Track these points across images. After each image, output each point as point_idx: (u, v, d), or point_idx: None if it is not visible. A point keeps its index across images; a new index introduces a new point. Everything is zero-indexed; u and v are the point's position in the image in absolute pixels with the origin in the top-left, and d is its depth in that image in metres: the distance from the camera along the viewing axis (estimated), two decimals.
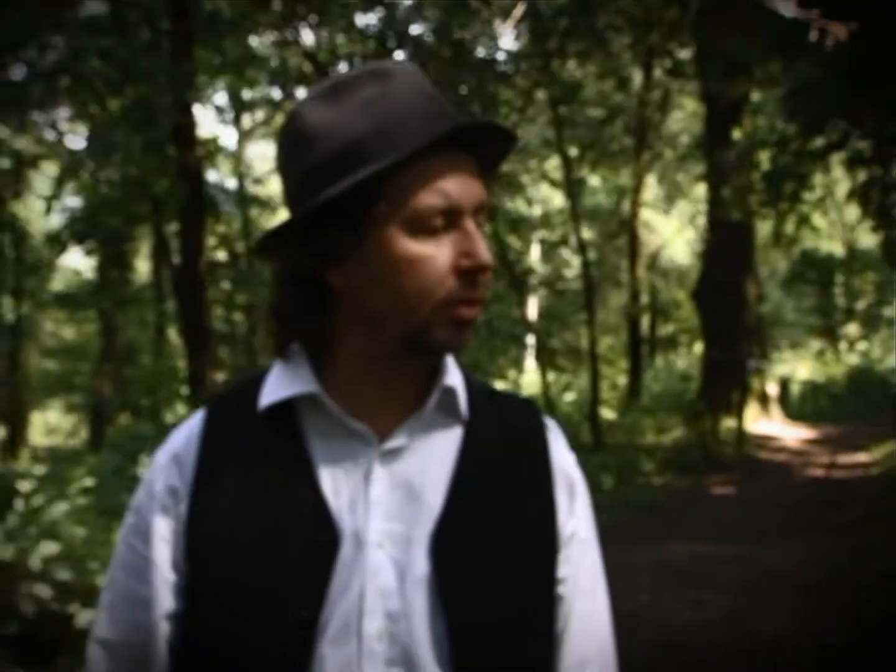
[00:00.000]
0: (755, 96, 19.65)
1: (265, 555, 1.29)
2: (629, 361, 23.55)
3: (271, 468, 1.33)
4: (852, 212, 28.87)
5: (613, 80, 18.57)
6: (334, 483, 1.32)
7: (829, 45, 3.78)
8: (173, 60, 8.25)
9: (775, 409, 21.53)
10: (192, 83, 8.80)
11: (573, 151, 20.52)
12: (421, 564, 1.29)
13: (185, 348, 8.33)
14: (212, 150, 15.13)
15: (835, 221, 33.33)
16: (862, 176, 15.00)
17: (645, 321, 28.57)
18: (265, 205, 24.44)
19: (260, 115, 22.26)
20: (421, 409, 1.35)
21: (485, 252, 1.29)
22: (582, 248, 19.33)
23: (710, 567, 8.88)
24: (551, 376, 20.84)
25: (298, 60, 14.18)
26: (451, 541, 1.31)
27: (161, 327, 24.09)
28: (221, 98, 22.71)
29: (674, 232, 33.46)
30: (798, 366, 32.46)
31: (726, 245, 19.45)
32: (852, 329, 32.82)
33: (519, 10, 4.50)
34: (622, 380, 24.09)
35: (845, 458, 16.18)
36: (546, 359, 22.24)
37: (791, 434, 19.56)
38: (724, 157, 17.90)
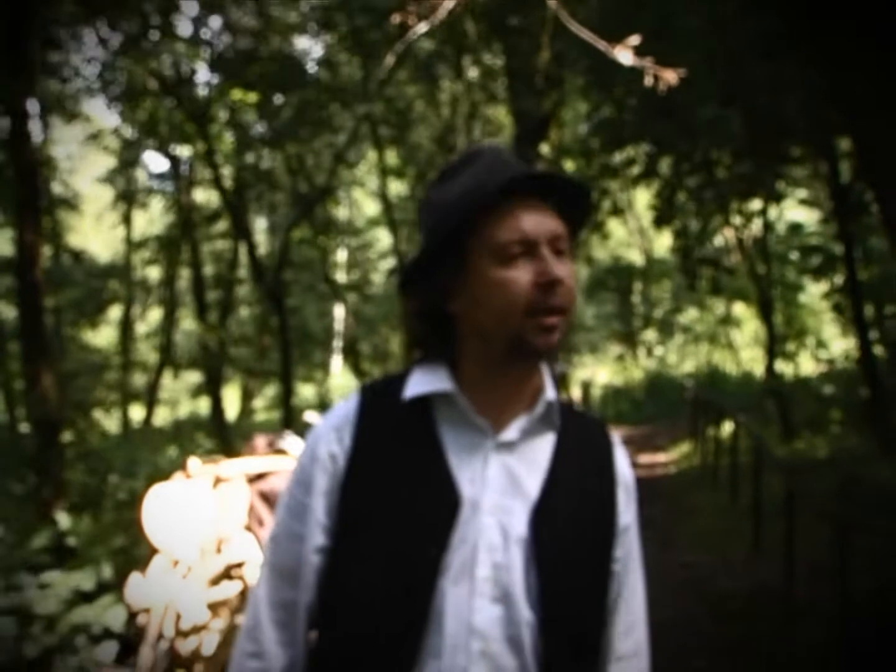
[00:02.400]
0: (563, 112, 20.38)
1: (404, 510, 1.70)
2: None
3: (411, 447, 1.74)
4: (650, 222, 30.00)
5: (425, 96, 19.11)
6: (459, 462, 1.72)
7: (662, 89, 4.14)
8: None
9: None
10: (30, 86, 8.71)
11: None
12: (521, 530, 1.70)
13: (23, 350, 8.33)
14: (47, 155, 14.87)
15: (633, 231, 34.55)
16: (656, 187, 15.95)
17: None
18: (72, 206, 23.89)
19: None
20: (529, 413, 1.77)
21: (556, 269, 1.68)
22: (398, 254, 19.74)
23: None
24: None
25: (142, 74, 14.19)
26: (544, 517, 1.72)
27: None
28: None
29: None
30: (598, 370, 33.54)
31: None
32: (650, 335, 34.03)
33: (391, 61, 4.78)
34: None
35: (646, 458, 16.97)
36: (356, 362, 22.59)
37: None
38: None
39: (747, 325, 30.66)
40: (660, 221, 15.88)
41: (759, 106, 8.64)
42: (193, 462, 4.67)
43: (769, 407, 16.92)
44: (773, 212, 18.96)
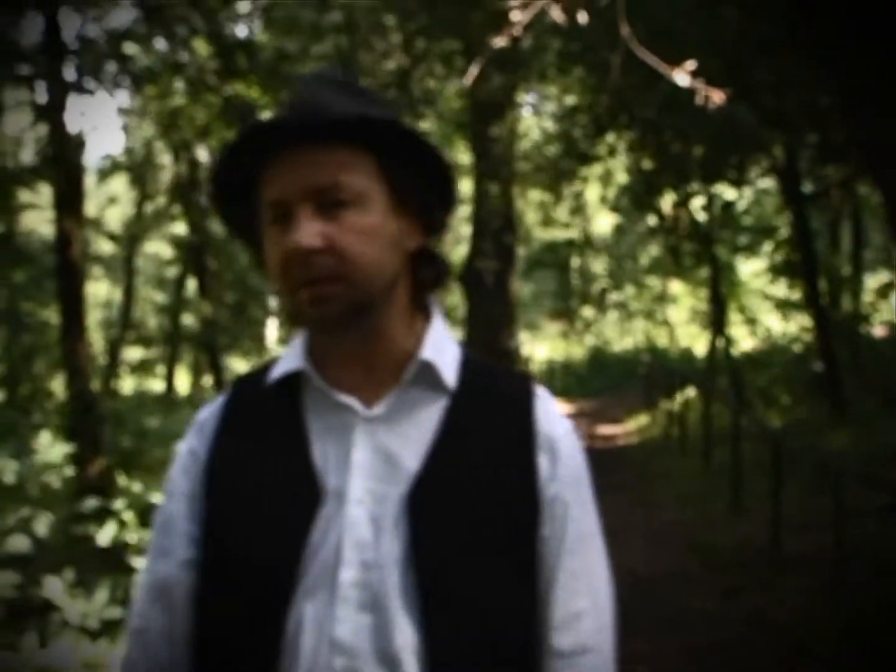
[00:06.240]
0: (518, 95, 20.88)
1: (258, 511, 1.41)
2: None
3: (272, 435, 1.46)
4: (590, 199, 30.67)
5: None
6: (323, 448, 1.42)
7: (712, 108, 4.66)
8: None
9: None
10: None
11: None
12: (396, 519, 1.37)
13: (63, 325, 8.63)
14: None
15: (572, 208, 35.11)
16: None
17: None
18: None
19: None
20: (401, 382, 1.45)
21: (299, 235, 1.33)
22: None
23: None
24: None
25: None
26: (425, 499, 1.38)
27: None
28: None
29: None
30: (536, 346, 34.26)
31: (491, 233, 20.64)
32: (587, 311, 34.78)
33: (475, 70, 5.29)
34: None
35: (606, 430, 17.71)
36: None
37: None
38: (490, 152, 19.12)
39: (683, 303, 31.62)
40: (640, 206, 16.50)
41: (756, 101, 9.23)
42: None
43: (719, 380, 17.70)
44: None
